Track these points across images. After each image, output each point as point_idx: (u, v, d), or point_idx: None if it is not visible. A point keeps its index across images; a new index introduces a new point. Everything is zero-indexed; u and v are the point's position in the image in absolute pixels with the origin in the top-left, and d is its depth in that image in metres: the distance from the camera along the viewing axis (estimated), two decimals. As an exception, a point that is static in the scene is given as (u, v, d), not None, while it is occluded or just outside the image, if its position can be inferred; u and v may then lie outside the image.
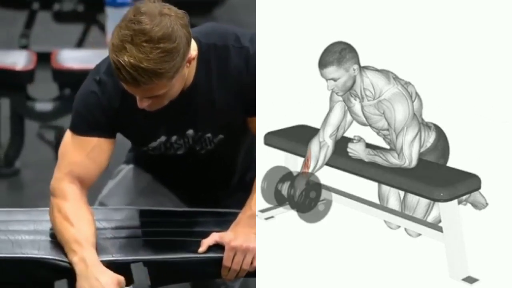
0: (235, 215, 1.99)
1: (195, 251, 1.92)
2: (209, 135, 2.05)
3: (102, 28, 4.43)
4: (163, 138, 2.04)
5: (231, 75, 1.96)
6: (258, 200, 2.06)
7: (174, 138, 2.04)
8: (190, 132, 2.03)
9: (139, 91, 1.83)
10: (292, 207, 2.52)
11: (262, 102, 2.22)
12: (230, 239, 1.92)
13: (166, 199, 2.30)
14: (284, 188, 2.55)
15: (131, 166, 2.34)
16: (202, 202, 2.24)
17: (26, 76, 3.55)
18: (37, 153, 3.83)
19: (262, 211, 2.82)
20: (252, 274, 1.96)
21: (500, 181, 2.85)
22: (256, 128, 2.05)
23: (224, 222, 2.00)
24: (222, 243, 1.92)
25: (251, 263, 1.93)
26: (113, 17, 3.36)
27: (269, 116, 2.72)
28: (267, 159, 2.67)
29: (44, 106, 3.62)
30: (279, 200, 2.68)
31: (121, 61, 1.75)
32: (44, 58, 3.62)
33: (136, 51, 1.74)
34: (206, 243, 1.93)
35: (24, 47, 4.58)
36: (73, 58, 3.60)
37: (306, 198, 2.49)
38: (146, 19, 1.76)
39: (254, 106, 2.00)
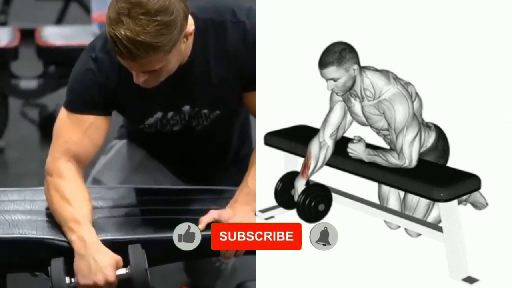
0: (232, 193, 1.99)
1: None
2: (205, 111, 2.05)
3: (82, 4, 4.38)
4: (159, 115, 2.04)
5: (228, 50, 1.95)
6: (258, 200, 2.06)
7: (170, 114, 2.04)
8: (187, 108, 2.03)
9: (135, 65, 1.82)
10: (300, 217, 2.54)
11: (262, 102, 2.22)
12: (229, 217, 1.92)
13: (161, 175, 2.31)
14: (297, 196, 2.56)
15: (124, 141, 2.34)
16: (197, 177, 2.24)
17: (10, 53, 3.48)
18: (21, 131, 3.81)
19: (262, 211, 2.82)
20: (250, 252, 1.96)
21: (500, 181, 2.84)
22: (254, 101, 2.05)
23: (221, 199, 2.01)
24: (221, 220, 1.92)
25: None
26: None
27: (269, 116, 2.71)
28: (267, 159, 2.66)
29: (28, 83, 3.55)
30: (287, 205, 2.71)
31: (117, 34, 1.74)
32: (27, 35, 3.55)
33: (133, 24, 1.73)
34: (204, 220, 1.93)
35: (3, 23, 4.51)
36: (57, 35, 3.54)
37: (315, 212, 2.51)
38: None
39: (251, 80, 2.00)
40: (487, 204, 2.70)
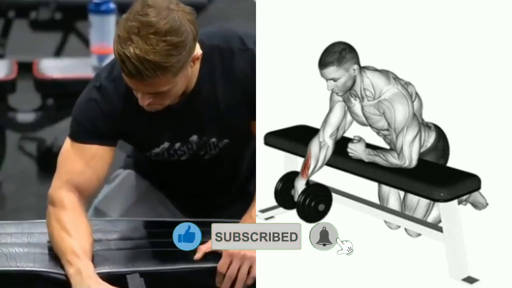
0: None
1: (192, 261, 1.90)
2: (213, 140, 2.02)
3: (81, 36, 4.35)
4: (166, 145, 2.01)
5: (235, 78, 1.93)
6: (258, 200, 2.06)
7: (177, 145, 2.01)
8: (194, 138, 2.00)
9: (142, 86, 1.80)
10: (300, 217, 2.54)
11: (262, 102, 2.22)
12: None
13: (164, 208, 2.27)
14: (297, 196, 2.56)
15: (128, 171, 2.30)
16: (200, 211, 2.20)
17: (7, 86, 3.41)
18: (19, 165, 3.75)
19: (262, 211, 2.82)
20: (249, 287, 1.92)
21: (500, 181, 2.84)
22: (256, 128, 2.05)
23: None
24: (219, 249, 1.91)
25: (248, 273, 1.90)
26: (96, 24, 3.29)
27: (269, 116, 2.71)
28: (267, 159, 2.66)
29: (26, 116, 3.50)
30: (287, 205, 2.70)
31: (126, 52, 1.73)
32: (24, 68, 3.49)
33: (143, 43, 1.72)
34: (202, 249, 1.91)
35: (0, 56, 4.44)
36: (55, 67, 3.47)
37: (315, 212, 2.51)
38: (153, 12, 1.74)
39: None
40: (487, 204, 2.70)
